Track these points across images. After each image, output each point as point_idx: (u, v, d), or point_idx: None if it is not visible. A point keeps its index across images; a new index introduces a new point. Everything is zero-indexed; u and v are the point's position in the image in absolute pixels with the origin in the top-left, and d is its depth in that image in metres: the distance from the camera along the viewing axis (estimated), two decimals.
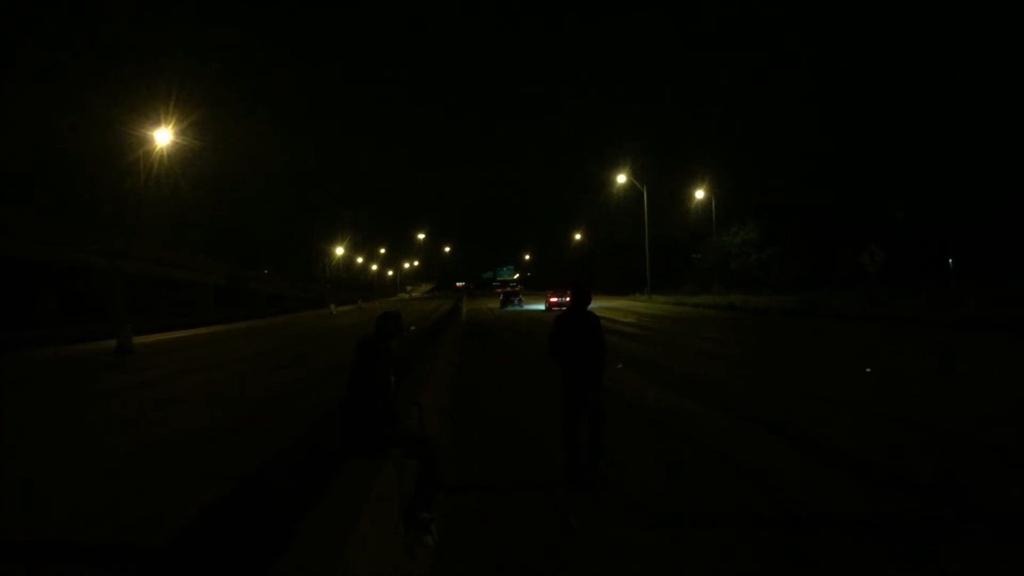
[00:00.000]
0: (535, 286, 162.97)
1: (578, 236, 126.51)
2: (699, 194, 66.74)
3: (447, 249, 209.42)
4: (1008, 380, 12.65)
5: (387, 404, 5.18)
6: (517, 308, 56.86)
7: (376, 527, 3.86)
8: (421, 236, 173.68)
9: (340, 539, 3.31)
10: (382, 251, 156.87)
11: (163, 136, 39.13)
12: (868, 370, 13.89)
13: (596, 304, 55.72)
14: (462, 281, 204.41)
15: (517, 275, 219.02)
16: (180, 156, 43.23)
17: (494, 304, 67.01)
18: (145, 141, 39.04)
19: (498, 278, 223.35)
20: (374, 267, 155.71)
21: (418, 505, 5.27)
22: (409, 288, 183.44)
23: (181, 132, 40.97)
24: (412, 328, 30.80)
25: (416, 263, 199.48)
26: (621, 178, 67.58)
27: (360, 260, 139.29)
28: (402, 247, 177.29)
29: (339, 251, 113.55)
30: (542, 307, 53.63)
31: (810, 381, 13.08)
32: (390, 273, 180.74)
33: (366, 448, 4.94)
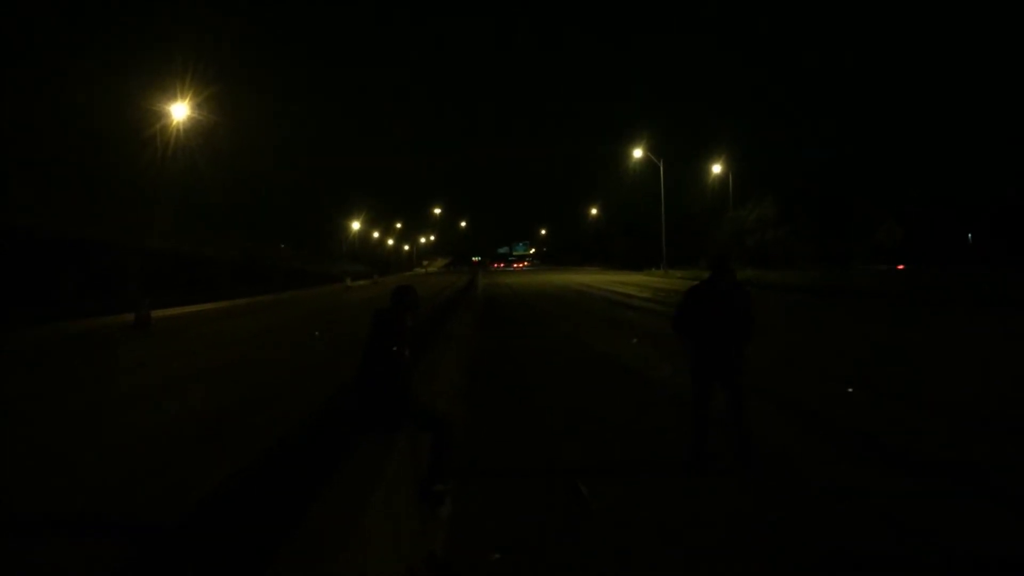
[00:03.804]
0: (551, 261, 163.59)
1: (594, 211, 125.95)
2: (716, 169, 66.26)
3: (463, 224, 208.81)
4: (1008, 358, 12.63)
5: (402, 378, 5.22)
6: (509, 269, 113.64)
7: (391, 500, 3.91)
8: (437, 211, 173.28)
9: (356, 512, 3.36)
10: (398, 226, 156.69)
11: (180, 111, 39.19)
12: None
13: (610, 279, 55.59)
14: (478, 256, 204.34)
15: (533, 250, 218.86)
16: (196, 131, 43.30)
17: (510, 279, 67.96)
18: (162, 116, 39.13)
19: (514, 253, 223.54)
20: (390, 242, 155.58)
21: (432, 478, 5.32)
22: (425, 263, 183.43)
23: (197, 106, 41.02)
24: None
25: (432, 238, 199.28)
26: (637, 153, 67.14)
27: (376, 235, 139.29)
28: (418, 222, 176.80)
29: (355, 226, 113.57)
30: (511, 269, 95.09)
31: (821, 358, 13.06)
32: (406, 248, 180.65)
33: (380, 421, 4.98)
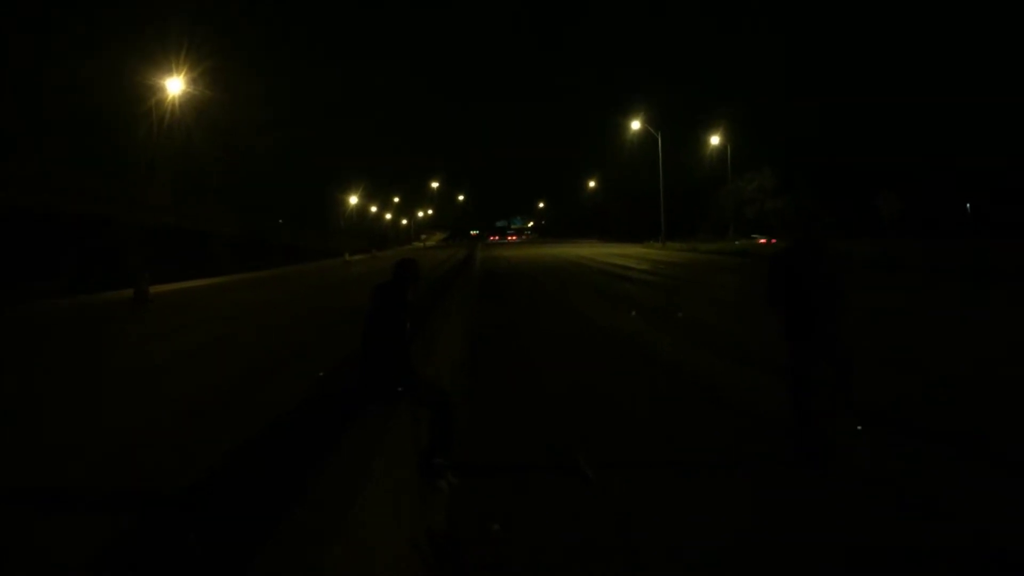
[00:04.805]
0: (549, 234, 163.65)
1: (592, 183, 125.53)
2: (715, 140, 65.99)
3: (461, 197, 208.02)
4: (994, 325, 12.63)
5: (402, 351, 5.22)
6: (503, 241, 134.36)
7: (390, 474, 3.93)
8: (435, 184, 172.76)
9: (354, 486, 3.38)
10: (396, 200, 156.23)
11: (175, 85, 38.96)
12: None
13: (608, 251, 55.47)
14: (476, 229, 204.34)
15: (531, 223, 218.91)
16: (192, 105, 43.07)
17: (507, 252, 67.74)
18: (157, 90, 38.91)
19: (512, 226, 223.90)
20: (388, 216, 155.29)
21: (432, 452, 5.35)
22: (423, 237, 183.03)
23: (193, 81, 40.78)
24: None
25: (430, 211, 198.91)
26: (635, 124, 66.82)
27: (374, 209, 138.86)
28: (416, 195, 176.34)
29: (353, 200, 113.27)
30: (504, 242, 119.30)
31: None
32: (404, 222, 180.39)
33: (381, 395, 4.99)
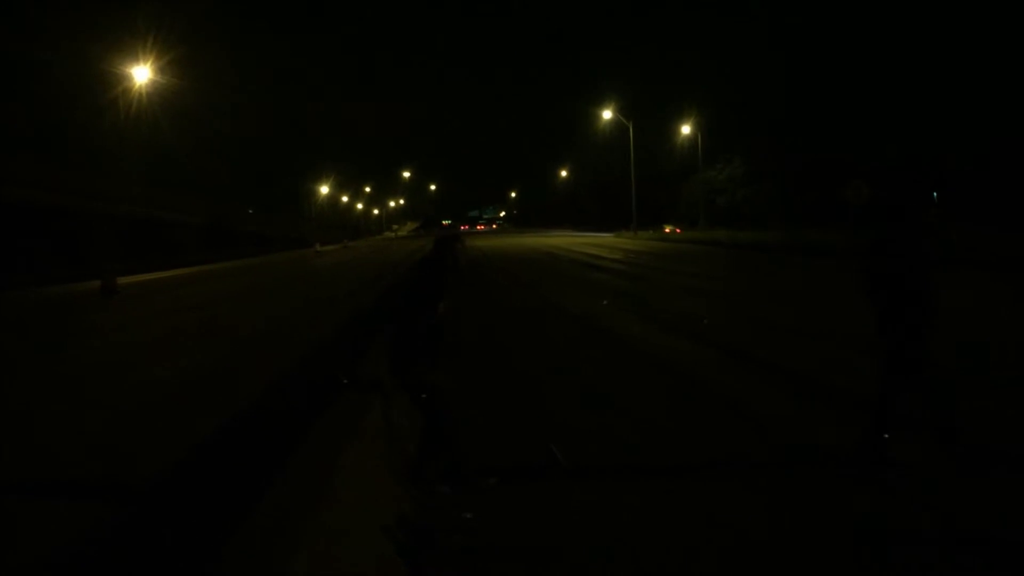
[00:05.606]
0: (521, 223, 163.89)
1: (564, 173, 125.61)
2: (685, 130, 66.18)
3: (432, 187, 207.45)
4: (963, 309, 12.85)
5: (436, 337, 5.20)
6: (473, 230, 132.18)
7: (364, 463, 3.94)
8: (407, 174, 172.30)
9: (328, 475, 3.39)
10: (367, 189, 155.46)
11: (142, 73, 38.43)
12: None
13: (581, 240, 55.62)
14: (448, 219, 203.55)
15: (503, 213, 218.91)
16: (159, 93, 42.53)
17: (479, 242, 67.58)
18: (124, 79, 38.37)
19: (484, 216, 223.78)
20: (359, 206, 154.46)
21: (444, 454, 5.23)
22: (395, 227, 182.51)
23: (160, 69, 40.28)
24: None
25: (402, 201, 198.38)
26: (607, 114, 66.93)
27: (345, 199, 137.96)
28: (387, 185, 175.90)
29: (324, 190, 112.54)
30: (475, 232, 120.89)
31: (784, 315, 13.23)
32: (376, 212, 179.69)
33: (401, 369, 4.92)
